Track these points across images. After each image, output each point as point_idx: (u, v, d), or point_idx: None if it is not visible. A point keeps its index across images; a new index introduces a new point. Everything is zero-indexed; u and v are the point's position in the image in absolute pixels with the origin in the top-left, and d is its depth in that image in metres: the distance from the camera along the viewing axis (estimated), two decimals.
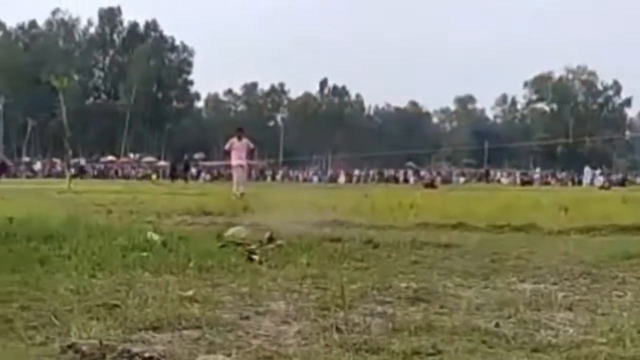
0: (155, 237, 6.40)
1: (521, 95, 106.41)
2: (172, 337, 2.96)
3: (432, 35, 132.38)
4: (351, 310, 3.52)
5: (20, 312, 3.34)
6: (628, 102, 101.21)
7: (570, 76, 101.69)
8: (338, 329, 3.08)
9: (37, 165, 62.19)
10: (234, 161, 17.70)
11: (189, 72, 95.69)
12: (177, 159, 54.23)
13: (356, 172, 68.89)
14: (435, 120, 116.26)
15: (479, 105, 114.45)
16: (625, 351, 2.78)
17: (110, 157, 71.26)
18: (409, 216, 10.00)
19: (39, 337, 2.87)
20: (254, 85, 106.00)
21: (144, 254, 5.50)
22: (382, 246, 6.68)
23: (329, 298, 3.81)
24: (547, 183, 64.69)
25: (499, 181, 68.75)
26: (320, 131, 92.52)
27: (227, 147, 18.07)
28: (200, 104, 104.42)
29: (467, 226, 9.25)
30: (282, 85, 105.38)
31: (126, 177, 59.10)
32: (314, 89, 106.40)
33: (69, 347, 2.68)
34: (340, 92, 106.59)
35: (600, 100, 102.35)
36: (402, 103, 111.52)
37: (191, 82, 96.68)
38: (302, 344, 2.89)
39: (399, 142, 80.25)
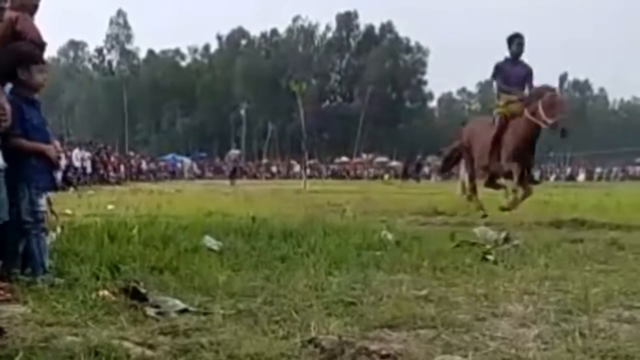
0: (389, 236, 6.51)
1: None
2: (407, 336, 2.97)
3: None
4: (596, 315, 3.32)
5: (264, 306, 3.53)
6: None
7: None
8: (582, 334, 2.92)
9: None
10: None
11: (423, 72, 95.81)
12: (409, 159, 54.74)
13: (597, 169, 64.75)
14: None
15: None
16: None
17: (344, 158, 73.56)
18: None
19: (281, 331, 3.01)
20: (489, 83, 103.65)
21: (378, 252, 5.60)
22: (628, 248, 6.20)
23: (571, 301, 3.63)
24: None
25: None
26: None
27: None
28: (433, 103, 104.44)
29: None
30: None
31: (359, 177, 60.67)
32: (553, 85, 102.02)
33: (310, 341, 2.78)
34: (581, 86, 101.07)
35: None
36: None
37: (425, 82, 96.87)
38: (543, 348, 2.77)
39: None
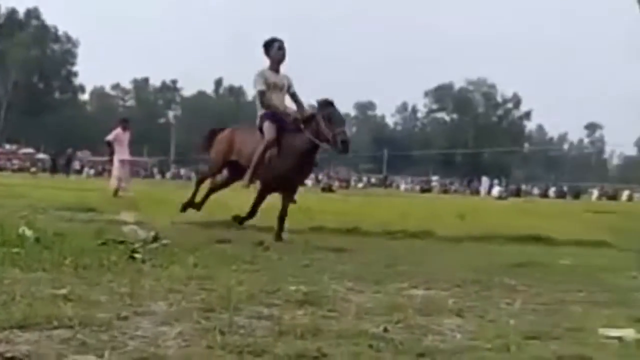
0: (29, 232, 6.03)
1: (422, 104, 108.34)
2: (39, 337, 2.74)
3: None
4: (236, 313, 3.39)
5: None
6: (527, 115, 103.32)
7: (471, 87, 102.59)
8: (221, 331, 2.95)
9: None
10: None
11: (73, 64, 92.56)
12: (58, 152, 52.21)
13: None
14: None
15: (378, 112, 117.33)
16: (510, 356, 2.81)
17: None
18: (303, 220, 9.87)
19: None
20: (145, 80, 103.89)
21: (15, 250, 5.15)
22: (273, 249, 6.60)
23: (214, 300, 3.67)
24: (446, 191, 64.20)
25: (397, 187, 69.05)
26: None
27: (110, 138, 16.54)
28: (85, 96, 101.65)
29: (362, 231, 9.31)
30: (174, 82, 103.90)
31: (1, 169, 55.81)
32: (210, 88, 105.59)
33: None
34: (237, 91, 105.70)
35: (500, 112, 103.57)
36: None
37: (75, 74, 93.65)
38: (182, 346, 2.75)
39: None
